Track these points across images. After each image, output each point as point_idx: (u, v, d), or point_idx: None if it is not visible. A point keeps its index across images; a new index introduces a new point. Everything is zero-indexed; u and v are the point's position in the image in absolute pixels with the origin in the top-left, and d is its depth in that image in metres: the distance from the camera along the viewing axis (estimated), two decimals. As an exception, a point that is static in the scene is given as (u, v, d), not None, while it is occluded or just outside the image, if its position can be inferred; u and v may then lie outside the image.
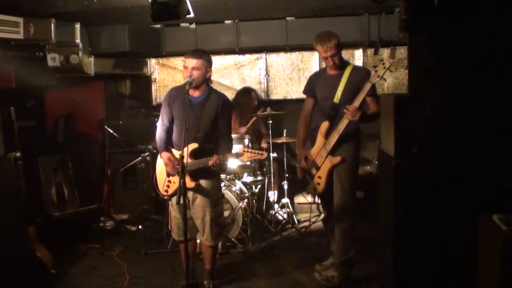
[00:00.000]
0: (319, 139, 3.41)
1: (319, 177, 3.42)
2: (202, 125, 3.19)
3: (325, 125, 3.39)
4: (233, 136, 3.70)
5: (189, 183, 3.15)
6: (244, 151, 3.13)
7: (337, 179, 3.37)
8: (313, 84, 3.56)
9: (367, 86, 3.18)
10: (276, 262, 4.06)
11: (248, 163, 4.65)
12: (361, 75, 3.33)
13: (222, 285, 3.56)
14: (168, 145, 3.34)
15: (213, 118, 3.20)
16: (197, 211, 3.28)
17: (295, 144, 4.00)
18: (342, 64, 3.41)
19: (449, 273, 2.43)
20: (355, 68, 3.47)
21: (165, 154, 3.27)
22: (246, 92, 5.36)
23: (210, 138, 3.25)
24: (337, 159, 3.34)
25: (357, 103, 3.19)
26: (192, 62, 3.10)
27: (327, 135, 3.36)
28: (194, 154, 3.17)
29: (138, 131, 5.28)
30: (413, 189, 2.43)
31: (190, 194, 3.21)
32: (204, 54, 3.18)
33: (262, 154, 3.16)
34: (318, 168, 3.42)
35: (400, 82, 5.42)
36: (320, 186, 3.44)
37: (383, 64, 3.16)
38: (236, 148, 4.52)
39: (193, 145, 3.17)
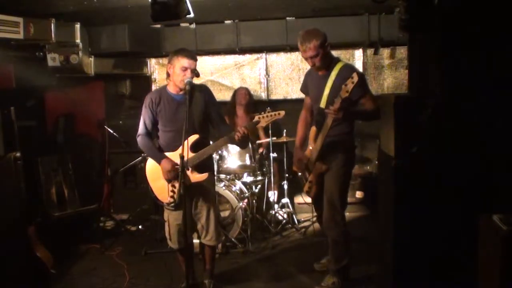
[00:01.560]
0: (309, 145, 3.34)
1: (310, 181, 3.37)
2: (196, 117, 3.18)
3: (312, 131, 3.30)
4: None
5: (201, 176, 3.15)
6: (260, 117, 3.11)
7: (325, 189, 3.29)
8: (306, 82, 3.49)
9: (337, 101, 2.97)
10: (276, 262, 4.06)
11: (248, 163, 4.66)
12: (348, 75, 2.98)
13: (222, 285, 3.56)
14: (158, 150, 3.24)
15: (203, 107, 3.22)
16: (201, 210, 3.26)
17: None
18: (329, 64, 3.21)
19: (449, 273, 2.43)
20: (344, 67, 3.20)
21: (167, 162, 3.12)
22: (233, 95, 5.32)
23: (205, 130, 3.28)
24: (324, 166, 3.24)
25: (336, 105, 2.98)
26: (193, 64, 3.14)
27: (315, 140, 3.27)
28: (195, 147, 3.15)
29: (138, 131, 5.27)
30: (413, 189, 2.43)
31: (191, 196, 3.19)
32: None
33: (279, 114, 3.12)
34: (310, 172, 3.37)
35: (400, 82, 5.41)
36: (312, 190, 3.39)
37: (352, 78, 2.90)
38: (236, 148, 4.58)
39: (194, 137, 3.14)
